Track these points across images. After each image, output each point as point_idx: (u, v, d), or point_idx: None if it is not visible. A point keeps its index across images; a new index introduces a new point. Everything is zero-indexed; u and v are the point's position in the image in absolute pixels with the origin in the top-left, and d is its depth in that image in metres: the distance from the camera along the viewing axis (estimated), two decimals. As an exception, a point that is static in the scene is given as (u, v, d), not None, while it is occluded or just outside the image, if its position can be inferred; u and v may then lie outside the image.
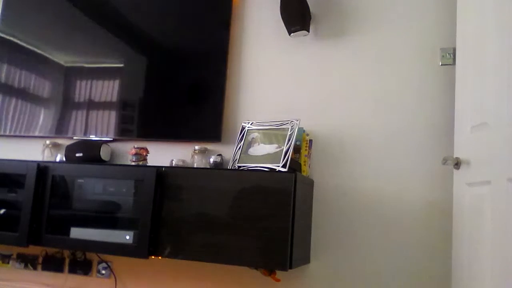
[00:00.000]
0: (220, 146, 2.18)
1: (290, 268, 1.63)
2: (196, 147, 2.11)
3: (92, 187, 1.95)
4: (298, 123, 1.84)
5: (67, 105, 2.39)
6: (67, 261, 2.32)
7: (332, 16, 2.13)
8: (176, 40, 2.27)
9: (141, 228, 1.78)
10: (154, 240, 1.78)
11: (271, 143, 1.84)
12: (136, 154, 2.09)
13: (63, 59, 2.45)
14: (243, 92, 2.21)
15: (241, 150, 1.89)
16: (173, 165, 2.13)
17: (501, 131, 1.39)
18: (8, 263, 2.41)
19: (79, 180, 1.97)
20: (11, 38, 2.57)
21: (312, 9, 2.14)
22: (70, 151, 2.19)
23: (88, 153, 2.17)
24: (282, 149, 1.78)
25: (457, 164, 1.65)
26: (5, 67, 2.56)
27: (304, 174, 1.96)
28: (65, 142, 2.39)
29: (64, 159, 2.23)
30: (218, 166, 2.06)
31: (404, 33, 2.01)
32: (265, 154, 1.83)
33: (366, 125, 2.00)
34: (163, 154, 2.25)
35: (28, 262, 2.38)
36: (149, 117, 2.25)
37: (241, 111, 2.20)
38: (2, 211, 2.04)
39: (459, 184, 1.65)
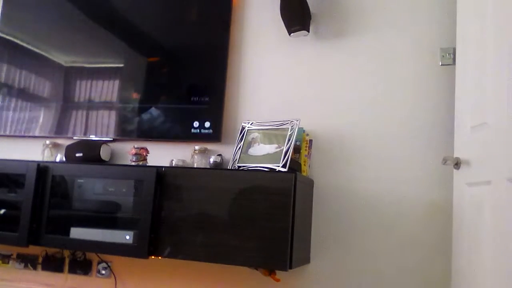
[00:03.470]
0: (220, 146, 2.18)
1: (290, 268, 1.63)
2: (196, 147, 2.11)
3: (92, 187, 1.95)
4: (298, 123, 1.84)
5: (67, 105, 2.39)
6: (67, 261, 2.32)
7: (332, 16, 2.13)
8: (176, 40, 2.27)
9: (141, 228, 1.78)
10: (154, 240, 1.78)
11: (271, 143, 1.84)
12: (136, 154, 2.09)
13: (63, 59, 2.45)
14: (243, 92, 2.21)
15: (241, 150, 1.89)
16: (173, 165, 2.13)
17: (501, 131, 1.39)
18: (8, 263, 2.41)
19: (79, 180, 1.97)
20: (11, 38, 2.57)
21: (312, 9, 2.14)
22: (70, 151, 2.19)
23: (88, 153, 2.17)
24: (282, 149, 1.78)
25: (457, 164, 1.65)
26: (5, 67, 2.56)
27: (304, 174, 1.96)
28: (65, 142, 2.39)
29: (64, 159, 2.23)
30: (218, 166, 2.06)
31: (404, 33, 2.01)
32: (265, 154, 1.83)
33: (366, 125, 2.00)
34: (163, 154, 2.25)
35: (28, 262, 2.38)
36: (149, 117, 2.25)
37: (241, 111, 2.20)
38: (2, 211, 2.04)
39: (459, 184, 1.65)
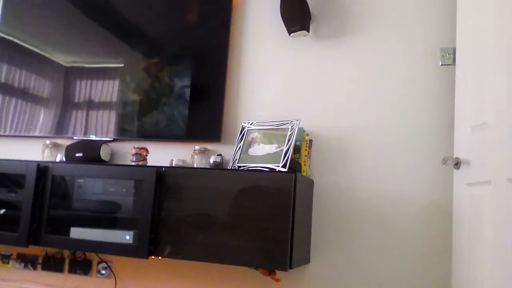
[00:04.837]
0: (220, 146, 2.18)
1: (290, 268, 1.63)
2: (196, 147, 2.11)
3: (92, 187, 1.95)
4: (298, 123, 1.84)
5: (67, 105, 2.39)
6: (67, 261, 2.32)
7: (332, 16, 2.13)
8: (176, 40, 2.27)
9: (141, 228, 1.78)
10: (154, 240, 1.78)
11: (271, 143, 1.84)
12: (136, 154, 2.09)
13: (63, 59, 2.45)
14: (243, 92, 2.21)
15: (241, 150, 1.89)
16: (173, 165, 2.13)
17: (501, 131, 1.39)
18: (8, 263, 2.41)
19: (79, 180, 1.97)
20: (11, 38, 2.57)
21: (312, 9, 2.14)
22: (70, 151, 2.19)
23: (88, 153, 2.18)
24: (282, 149, 1.78)
25: (457, 164, 1.65)
26: (5, 67, 2.56)
27: (304, 174, 1.96)
28: (65, 142, 2.39)
29: (64, 159, 2.23)
30: (218, 166, 2.06)
31: (404, 33, 2.01)
32: (265, 154, 1.83)
33: (366, 125, 2.00)
34: (163, 154, 2.25)
35: (28, 262, 2.38)
36: (149, 117, 2.25)
37: (241, 111, 2.20)
38: (2, 211, 2.04)
39: (459, 184, 1.65)
